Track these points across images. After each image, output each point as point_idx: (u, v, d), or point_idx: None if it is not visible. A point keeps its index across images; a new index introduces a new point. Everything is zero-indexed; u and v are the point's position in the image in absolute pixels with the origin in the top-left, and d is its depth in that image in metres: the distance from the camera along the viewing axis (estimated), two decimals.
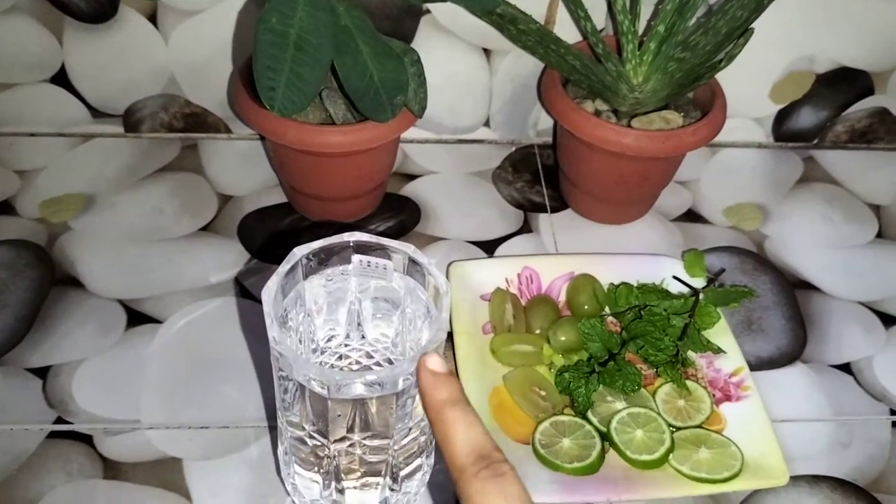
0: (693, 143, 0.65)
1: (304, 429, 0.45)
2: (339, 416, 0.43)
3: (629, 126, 0.66)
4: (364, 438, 0.45)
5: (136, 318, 0.63)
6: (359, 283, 0.47)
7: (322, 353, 0.50)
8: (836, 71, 0.79)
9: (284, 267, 0.43)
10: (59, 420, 0.56)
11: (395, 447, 0.46)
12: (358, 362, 0.50)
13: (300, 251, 0.43)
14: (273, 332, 0.40)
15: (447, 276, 0.64)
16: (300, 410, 0.44)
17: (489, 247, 0.70)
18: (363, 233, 0.45)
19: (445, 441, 0.37)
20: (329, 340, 0.50)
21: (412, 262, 0.45)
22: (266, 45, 0.50)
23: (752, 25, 0.62)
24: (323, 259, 0.45)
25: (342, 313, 0.49)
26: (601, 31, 0.71)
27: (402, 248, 0.45)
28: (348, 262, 0.46)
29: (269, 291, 0.42)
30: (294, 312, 0.46)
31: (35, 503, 0.52)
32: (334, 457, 0.45)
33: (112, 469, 0.54)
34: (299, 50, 0.50)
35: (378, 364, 0.50)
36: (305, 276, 0.45)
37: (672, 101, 0.68)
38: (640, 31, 0.68)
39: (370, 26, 0.56)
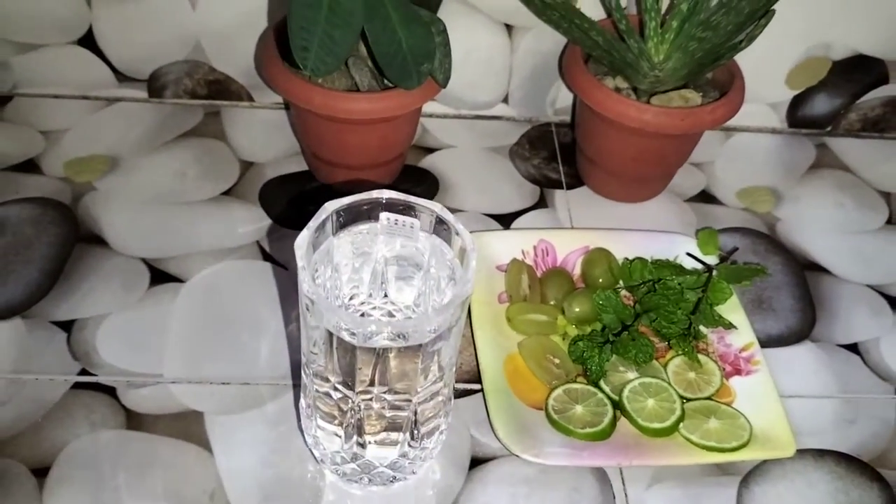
0: (711, 121, 0.66)
1: (328, 381, 0.46)
2: (361, 368, 0.44)
3: (649, 103, 0.67)
4: (384, 393, 0.46)
5: (159, 276, 0.64)
6: (385, 241, 0.48)
7: (346, 310, 0.51)
8: (852, 58, 0.79)
9: (316, 220, 0.44)
10: (84, 372, 0.57)
11: (416, 403, 0.47)
12: (380, 321, 0.52)
13: (331, 205, 0.45)
14: (306, 281, 0.41)
15: None
16: (326, 362, 0.45)
17: (505, 220, 0.72)
18: (392, 191, 0.46)
19: None
20: (352, 299, 0.51)
21: (439, 221, 0.46)
22: (300, 6, 0.50)
23: (774, 7, 0.63)
24: (352, 216, 0.46)
25: (367, 272, 0.50)
26: (625, 8, 0.71)
27: (430, 206, 0.46)
28: (376, 220, 0.47)
29: (302, 243, 0.43)
30: (322, 268, 0.47)
31: (60, 451, 0.53)
32: (358, 409, 0.46)
33: (134, 420, 0.55)
34: (332, 12, 0.51)
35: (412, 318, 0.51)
36: (335, 232, 0.46)
37: (691, 80, 0.69)
38: (664, 10, 0.69)
39: None
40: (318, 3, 0.51)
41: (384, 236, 0.48)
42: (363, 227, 0.47)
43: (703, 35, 0.64)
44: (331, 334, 0.42)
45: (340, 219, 0.46)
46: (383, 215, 0.46)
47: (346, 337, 0.41)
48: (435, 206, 0.45)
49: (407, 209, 0.46)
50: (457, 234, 0.45)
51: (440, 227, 0.46)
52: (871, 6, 0.76)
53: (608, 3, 0.67)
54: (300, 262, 0.41)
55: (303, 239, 0.43)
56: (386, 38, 0.55)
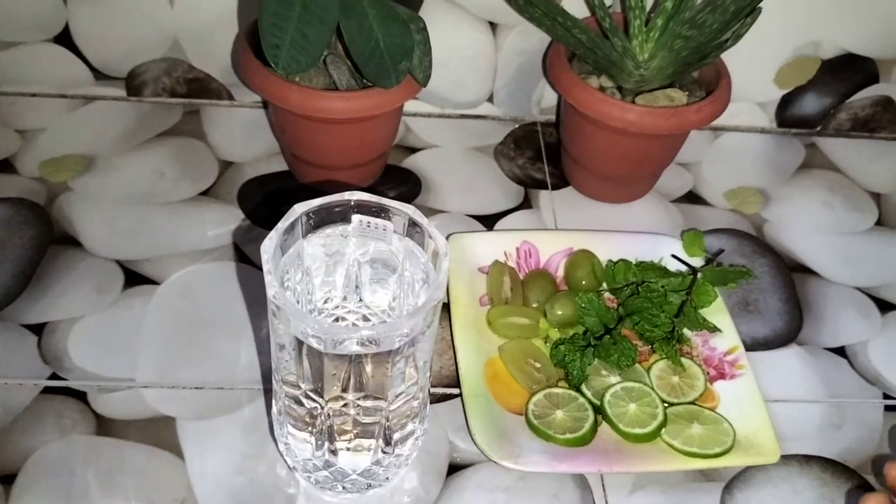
0: (696, 121, 0.65)
1: (299, 388, 0.45)
2: (334, 374, 0.43)
3: (633, 103, 0.66)
4: (358, 399, 0.45)
5: (134, 278, 0.62)
6: (358, 244, 0.47)
7: (319, 314, 0.50)
8: (841, 57, 0.78)
9: (284, 223, 0.43)
10: (54, 376, 0.56)
11: (390, 409, 0.46)
12: (354, 324, 0.50)
13: (300, 208, 0.43)
14: (272, 286, 0.40)
15: None
16: (296, 369, 0.44)
17: (489, 221, 0.70)
18: (364, 192, 0.45)
19: None
20: (326, 302, 0.50)
21: (412, 223, 0.45)
22: (272, 2, 0.49)
23: (760, 5, 0.62)
24: (323, 218, 0.45)
25: (340, 275, 0.49)
26: (609, 6, 0.70)
27: (403, 209, 0.45)
28: (348, 222, 0.46)
29: (269, 246, 0.41)
30: (293, 272, 0.46)
31: (28, 456, 0.52)
32: (328, 416, 0.45)
33: (105, 426, 0.54)
34: (305, 9, 0.50)
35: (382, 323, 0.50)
36: (305, 235, 0.45)
37: (677, 79, 0.68)
38: (648, 8, 0.68)
39: None
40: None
41: (356, 239, 0.46)
42: (335, 230, 0.46)
43: (689, 33, 0.63)
44: (300, 341, 0.41)
45: (311, 221, 0.45)
46: (355, 218, 0.45)
47: (314, 344, 0.40)
48: (408, 209, 0.44)
49: (380, 211, 0.45)
50: (430, 237, 0.44)
51: (413, 230, 0.45)
52: (860, 5, 0.75)
53: (592, 1, 0.66)
54: (265, 267, 0.40)
55: (269, 242, 0.42)
56: (362, 36, 0.54)
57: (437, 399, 0.57)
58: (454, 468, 0.54)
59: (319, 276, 0.48)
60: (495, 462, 0.52)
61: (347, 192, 0.45)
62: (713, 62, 0.67)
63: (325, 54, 0.62)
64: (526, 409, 0.56)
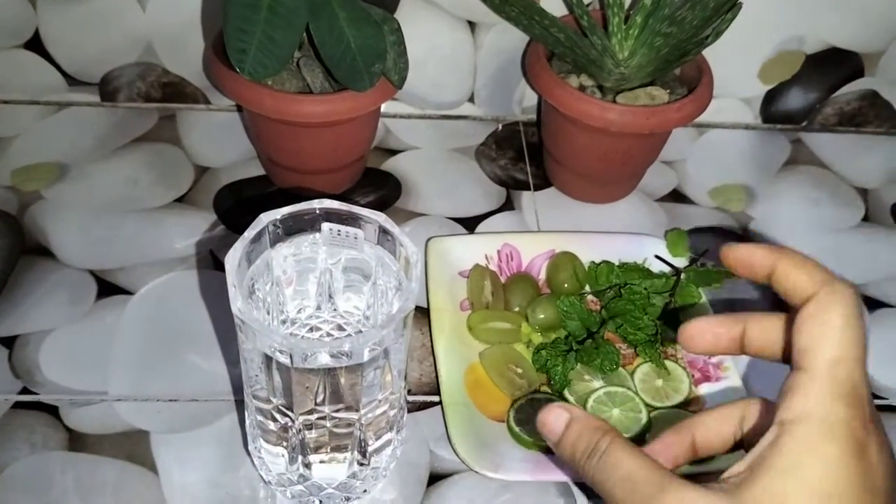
0: (678, 119, 0.64)
1: (270, 402, 0.44)
2: (308, 387, 0.42)
3: (614, 102, 0.65)
4: (334, 411, 0.44)
5: (107, 288, 0.61)
6: (329, 253, 0.46)
7: (292, 324, 0.49)
8: (826, 52, 0.77)
9: (250, 233, 0.42)
10: (25, 390, 0.55)
11: (363, 421, 0.45)
12: (329, 334, 0.49)
13: (266, 217, 0.42)
14: (236, 300, 0.39)
15: (426, 252, 0.63)
16: (266, 383, 0.43)
17: (470, 224, 0.69)
18: (335, 200, 0.44)
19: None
20: (299, 312, 0.49)
21: (383, 231, 0.44)
22: (238, 6, 0.48)
23: (741, 1, 0.61)
24: (291, 227, 0.44)
25: (312, 284, 0.48)
26: (588, 4, 0.69)
27: (374, 216, 0.43)
28: (318, 230, 0.45)
29: (233, 258, 0.40)
30: (262, 282, 0.45)
31: None
32: (300, 430, 0.44)
33: (77, 441, 0.53)
34: (273, 12, 0.48)
35: (350, 336, 0.49)
36: (273, 244, 0.44)
37: (658, 77, 0.67)
38: (627, 5, 0.67)
39: None
40: (258, 2, 0.48)
41: (327, 247, 0.45)
42: (304, 239, 0.45)
43: (668, 30, 0.61)
44: (268, 356, 0.40)
45: (278, 230, 0.43)
46: (325, 226, 0.44)
47: (282, 359, 0.39)
48: (378, 217, 0.43)
49: (350, 219, 0.44)
50: (401, 245, 0.43)
51: (384, 238, 0.44)
52: None
53: (569, 0, 0.65)
54: (229, 279, 0.39)
55: (233, 254, 0.40)
56: (333, 39, 0.52)
57: (417, 407, 0.56)
58: (435, 478, 0.53)
59: (291, 286, 0.47)
60: (476, 472, 0.51)
61: (316, 201, 0.44)
62: (694, 59, 0.66)
63: (298, 56, 0.61)
64: (508, 416, 0.55)
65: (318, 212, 0.43)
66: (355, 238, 0.44)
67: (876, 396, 0.60)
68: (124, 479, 0.51)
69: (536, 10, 0.61)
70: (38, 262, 0.63)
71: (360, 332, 0.49)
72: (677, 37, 0.61)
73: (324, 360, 0.40)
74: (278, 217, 0.43)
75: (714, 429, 0.41)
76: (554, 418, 0.41)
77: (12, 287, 0.61)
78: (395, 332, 0.40)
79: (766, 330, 0.38)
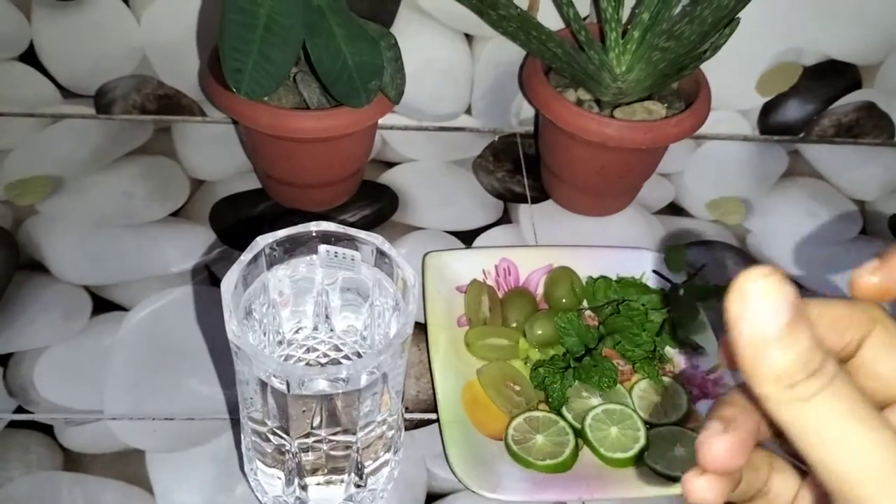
0: (676, 134, 0.63)
1: (265, 425, 0.43)
2: (305, 411, 0.42)
3: (612, 116, 0.64)
4: (331, 435, 0.43)
5: (102, 305, 0.61)
6: (326, 274, 0.45)
7: (289, 345, 0.49)
8: (823, 64, 0.77)
9: (246, 256, 0.41)
10: (20, 409, 0.54)
11: (360, 443, 0.44)
12: (326, 355, 0.49)
13: (263, 240, 0.42)
14: (231, 325, 0.39)
15: (423, 267, 0.63)
16: (262, 407, 0.42)
17: (468, 237, 0.69)
18: (331, 223, 0.44)
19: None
20: (296, 332, 0.49)
21: (380, 253, 0.43)
22: (234, 25, 0.48)
23: (739, 15, 0.61)
24: (288, 249, 0.44)
25: (309, 305, 0.47)
26: (585, 18, 0.69)
27: (371, 238, 0.43)
28: (315, 252, 0.44)
29: (229, 282, 0.40)
30: (258, 304, 0.44)
31: None
32: (296, 454, 0.43)
33: (72, 460, 0.52)
34: (269, 31, 0.48)
35: (347, 357, 0.49)
36: (269, 266, 0.43)
37: (656, 91, 0.67)
38: (625, 20, 0.66)
39: (344, 7, 0.54)
40: (254, 21, 0.48)
41: (324, 269, 0.45)
42: (301, 260, 0.44)
43: (666, 45, 0.61)
44: (263, 381, 0.40)
45: (275, 253, 0.43)
46: (322, 248, 0.44)
47: (277, 385, 0.39)
48: (376, 239, 0.43)
49: (346, 241, 0.44)
50: (398, 267, 0.42)
51: (381, 260, 0.44)
52: (841, 10, 0.74)
53: (566, 14, 0.64)
54: (225, 304, 0.39)
55: (230, 277, 0.40)
56: (330, 56, 0.52)
57: (414, 425, 0.56)
58: (432, 497, 0.53)
59: (288, 307, 0.47)
60: (473, 491, 0.51)
61: (313, 223, 0.43)
62: (692, 73, 0.66)
63: (294, 72, 0.61)
64: (506, 434, 0.54)
65: (314, 234, 0.43)
66: (352, 260, 0.44)
67: None
68: (120, 499, 0.50)
69: (533, 25, 0.61)
70: (32, 277, 0.62)
71: (357, 353, 0.49)
72: (675, 51, 0.61)
73: (320, 385, 0.39)
74: (275, 240, 0.42)
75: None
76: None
77: (6, 303, 0.60)
78: (392, 356, 0.40)
79: None
